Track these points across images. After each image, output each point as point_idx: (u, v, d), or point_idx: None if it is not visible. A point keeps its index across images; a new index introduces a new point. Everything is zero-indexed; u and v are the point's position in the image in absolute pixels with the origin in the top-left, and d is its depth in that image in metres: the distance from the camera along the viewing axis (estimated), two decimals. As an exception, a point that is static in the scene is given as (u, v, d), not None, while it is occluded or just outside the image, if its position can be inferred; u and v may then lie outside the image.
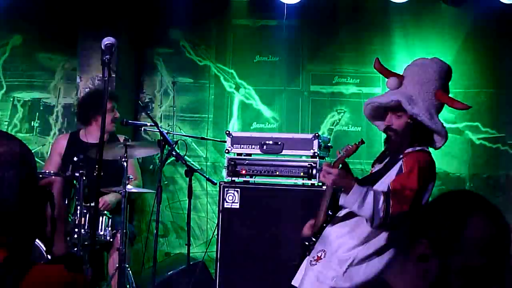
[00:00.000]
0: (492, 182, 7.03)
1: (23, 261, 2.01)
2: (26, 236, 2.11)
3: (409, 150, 4.07)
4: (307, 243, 4.24)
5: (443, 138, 4.17)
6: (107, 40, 4.07)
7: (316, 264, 4.10)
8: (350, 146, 4.08)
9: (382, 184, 4.02)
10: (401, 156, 4.05)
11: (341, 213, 4.15)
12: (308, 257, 4.18)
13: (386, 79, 4.22)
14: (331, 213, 4.18)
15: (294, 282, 4.29)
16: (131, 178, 5.97)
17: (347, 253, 4.04)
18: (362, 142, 4.09)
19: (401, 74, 4.22)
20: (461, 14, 6.94)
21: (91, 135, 6.44)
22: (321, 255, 4.11)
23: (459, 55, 6.93)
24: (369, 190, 3.90)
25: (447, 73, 4.20)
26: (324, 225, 4.17)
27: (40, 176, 5.92)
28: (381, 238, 4.02)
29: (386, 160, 4.17)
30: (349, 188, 3.90)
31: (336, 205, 4.11)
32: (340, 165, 4.03)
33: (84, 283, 2.04)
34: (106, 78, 3.97)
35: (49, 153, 6.84)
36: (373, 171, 4.24)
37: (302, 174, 5.75)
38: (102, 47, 4.06)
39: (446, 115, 6.98)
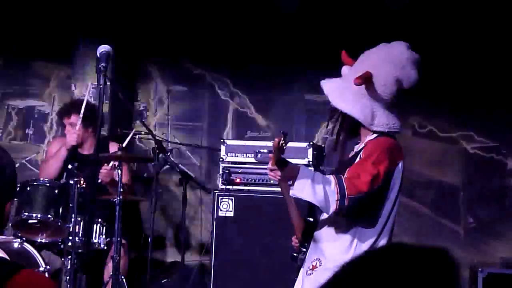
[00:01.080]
0: (486, 191, 7.04)
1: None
2: None
3: (371, 137, 3.92)
4: (295, 254, 4.22)
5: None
6: (103, 48, 4.06)
7: (312, 273, 4.08)
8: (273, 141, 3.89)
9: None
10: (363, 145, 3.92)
11: (323, 215, 3.99)
12: (303, 268, 4.16)
13: None
14: (311, 220, 4.09)
15: None
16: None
17: (342, 256, 3.97)
18: (284, 134, 3.90)
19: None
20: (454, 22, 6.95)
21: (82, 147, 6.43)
22: (316, 264, 4.09)
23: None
24: (316, 172, 3.74)
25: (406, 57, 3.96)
26: (304, 233, 4.13)
27: (35, 183, 5.94)
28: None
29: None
30: (295, 174, 3.72)
31: (312, 210, 4.00)
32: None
33: None
34: (101, 86, 3.96)
35: (45, 156, 6.81)
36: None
37: (296, 182, 5.74)
38: (98, 55, 4.06)
39: (439, 123, 7.02)
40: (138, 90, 7.52)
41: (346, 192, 3.61)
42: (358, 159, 3.84)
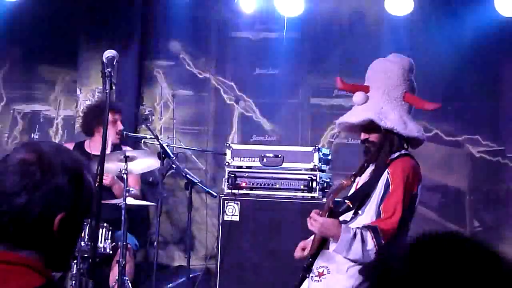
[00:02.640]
0: (492, 195, 7.02)
1: None
2: (64, 255, 1.98)
3: (391, 157, 4.05)
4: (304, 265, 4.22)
5: (420, 140, 4.13)
6: (109, 53, 4.08)
7: (320, 280, 4.07)
8: (336, 187, 4.05)
9: (374, 202, 3.97)
10: (384, 166, 4.02)
11: None
12: (308, 277, 4.14)
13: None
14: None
15: None
16: (132, 191, 5.96)
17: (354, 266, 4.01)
18: (348, 182, 4.02)
19: (365, 85, 4.15)
20: (460, 27, 6.94)
21: (95, 147, 6.46)
22: (323, 271, 4.08)
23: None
24: (356, 234, 3.84)
25: (409, 70, 4.15)
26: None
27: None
28: None
29: (370, 172, 4.11)
30: (336, 237, 3.86)
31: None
32: (327, 214, 3.96)
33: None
34: (107, 91, 3.97)
35: None
36: (358, 186, 4.16)
37: (302, 187, 5.76)
38: (104, 60, 4.07)
39: (445, 127, 7.01)
40: (143, 94, 7.52)
41: (382, 241, 3.82)
42: (384, 181, 3.96)
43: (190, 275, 6.04)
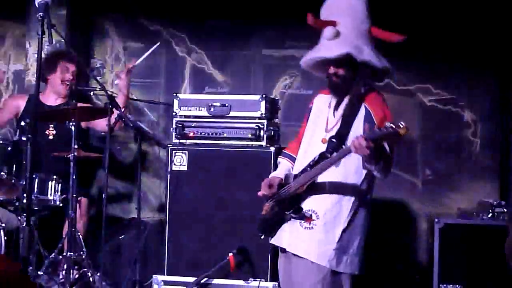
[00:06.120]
0: (443, 144, 7.07)
1: None
2: None
3: (362, 91, 4.14)
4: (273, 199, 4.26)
5: (387, 72, 4.22)
6: (41, -3, 4.02)
7: (312, 227, 4.10)
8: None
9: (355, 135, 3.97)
10: (359, 101, 4.11)
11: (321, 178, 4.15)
12: (293, 218, 4.16)
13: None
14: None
15: (277, 242, 4.28)
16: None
17: (342, 212, 4.10)
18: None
19: (332, 20, 4.17)
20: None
21: (47, 97, 6.42)
22: (310, 216, 4.10)
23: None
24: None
25: (368, 3, 4.23)
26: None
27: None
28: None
29: (344, 107, 4.18)
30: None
31: None
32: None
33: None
34: (39, 37, 3.92)
35: None
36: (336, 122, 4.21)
37: (250, 135, 5.76)
38: (36, 4, 4.02)
39: (397, 77, 7.02)
40: (94, 47, 7.44)
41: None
42: (363, 114, 4.09)
43: (142, 227, 6.04)
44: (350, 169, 4.10)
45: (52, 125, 6.33)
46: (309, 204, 4.14)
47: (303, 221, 4.11)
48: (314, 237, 4.09)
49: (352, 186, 4.10)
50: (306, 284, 4.11)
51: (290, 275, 4.25)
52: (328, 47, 4.15)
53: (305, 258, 4.11)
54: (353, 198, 4.11)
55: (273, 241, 4.31)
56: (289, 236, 4.19)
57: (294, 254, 4.17)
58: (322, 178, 4.10)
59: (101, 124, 6.18)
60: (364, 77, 4.14)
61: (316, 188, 4.12)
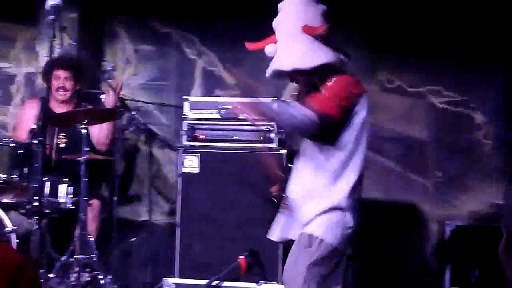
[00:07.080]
0: (454, 146, 7.06)
1: None
2: None
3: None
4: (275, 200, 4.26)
5: (345, 59, 4.07)
6: (52, 1, 4.03)
7: (292, 215, 4.05)
8: None
9: None
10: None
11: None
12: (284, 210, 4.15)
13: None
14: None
15: (272, 236, 4.24)
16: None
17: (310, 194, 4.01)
18: None
19: (272, 34, 4.11)
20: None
21: (54, 104, 6.43)
22: (288, 203, 4.09)
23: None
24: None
25: (307, 3, 4.07)
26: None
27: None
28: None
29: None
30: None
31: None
32: None
33: (33, 268, 2.04)
34: (51, 40, 3.93)
35: (17, 119, 6.76)
36: None
37: (260, 138, 5.76)
38: (47, 7, 4.03)
39: (408, 79, 7.02)
40: (105, 49, 7.46)
41: (319, 111, 3.73)
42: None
43: (153, 229, 6.06)
44: (314, 148, 4.00)
45: (63, 134, 6.34)
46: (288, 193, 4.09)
47: (282, 209, 4.12)
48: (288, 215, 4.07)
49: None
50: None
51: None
52: (279, 60, 4.10)
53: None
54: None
55: (268, 235, 4.27)
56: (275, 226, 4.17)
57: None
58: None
59: (95, 134, 6.18)
60: (324, 73, 3.98)
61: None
